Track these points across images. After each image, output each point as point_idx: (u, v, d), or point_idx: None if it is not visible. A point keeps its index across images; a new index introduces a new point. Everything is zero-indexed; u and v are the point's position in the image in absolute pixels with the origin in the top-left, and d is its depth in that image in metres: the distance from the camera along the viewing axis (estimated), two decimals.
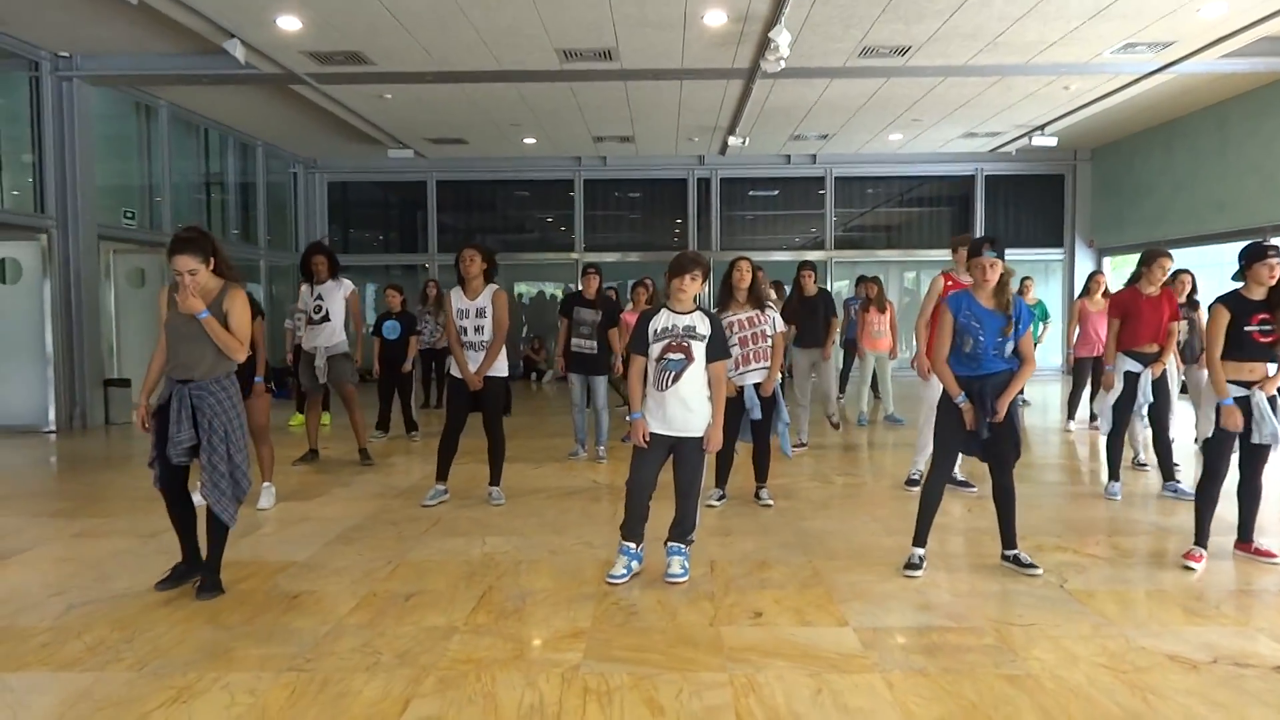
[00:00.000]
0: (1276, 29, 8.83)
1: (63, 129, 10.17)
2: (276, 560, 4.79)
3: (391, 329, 9.14)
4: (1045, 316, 10.99)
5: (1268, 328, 4.49)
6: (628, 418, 4.49)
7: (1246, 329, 4.51)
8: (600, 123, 13.23)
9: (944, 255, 9.27)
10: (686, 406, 4.30)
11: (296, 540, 5.21)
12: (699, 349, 4.30)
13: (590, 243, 16.52)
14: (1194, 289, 7.74)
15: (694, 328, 4.33)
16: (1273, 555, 4.66)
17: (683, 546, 4.46)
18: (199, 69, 10.05)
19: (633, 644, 3.60)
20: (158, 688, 3.19)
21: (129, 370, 11.25)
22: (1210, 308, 4.69)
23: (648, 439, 4.32)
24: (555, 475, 7.14)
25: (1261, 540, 4.78)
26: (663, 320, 4.36)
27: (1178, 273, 7.38)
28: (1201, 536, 4.68)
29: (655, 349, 4.33)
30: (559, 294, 16.75)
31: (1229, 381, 4.56)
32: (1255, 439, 4.54)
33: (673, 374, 4.28)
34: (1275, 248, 4.54)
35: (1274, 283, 4.51)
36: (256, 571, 4.56)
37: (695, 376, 4.30)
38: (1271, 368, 4.54)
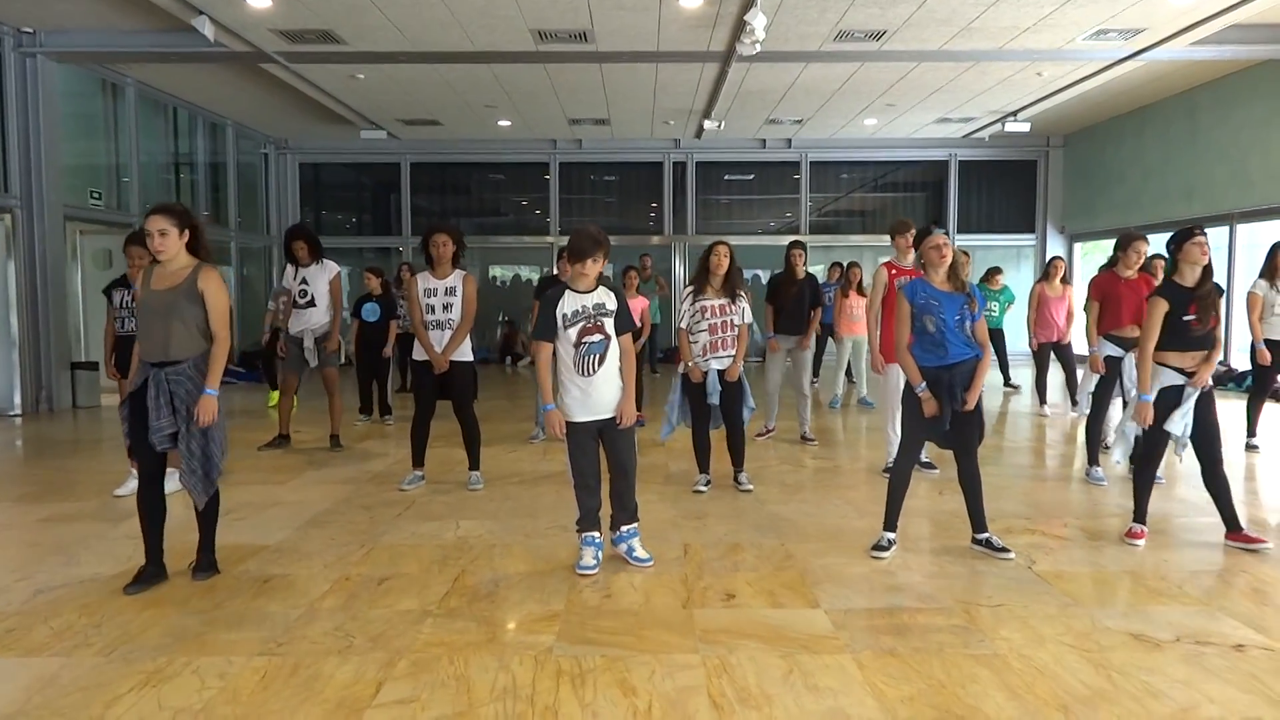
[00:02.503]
0: (1245, 17, 8.94)
1: (27, 106, 9.97)
2: (248, 544, 4.75)
3: (370, 311, 9.05)
4: (1011, 300, 11.17)
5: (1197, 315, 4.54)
6: (543, 408, 4.29)
7: (1185, 318, 4.55)
8: (575, 105, 13.16)
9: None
10: (613, 386, 4.26)
11: (268, 524, 5.17)
12: (612, 325, 4.24)
13: (566, 226, 16.43)
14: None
15: (603, 304, 4.23)
16: (1263, 541, 4.60)
17: (635, 527, 4.44)
18: (167, 46, 9.89)
19: (606, 626, 3.62)
20: (127, 672, 3.17)
21: (96, 353, 11.09)
22: (1149, 300, 4.68)
23: (563, 432, 4.22)
24: (529, 459, 7.14)
25: (1251, 528, 4.74)
26: (569, 303, 4.21)
27: (1153, 258, 7.37)
28: (1140, 515, 4.80)
29: (571, 334, 4.20)
30: (534, 278, 16.69)
31: (1171, 368, 4.60)
32: (1168, 427, 4.56)
33: (597, 356, 4.20)
34: (1201, 228, 4.64)
35: (1206, 260, 4.57)
36: (228, 556, 4.51)
37: (616, 353, 4.26)
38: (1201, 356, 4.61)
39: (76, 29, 9.86)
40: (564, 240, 16.51)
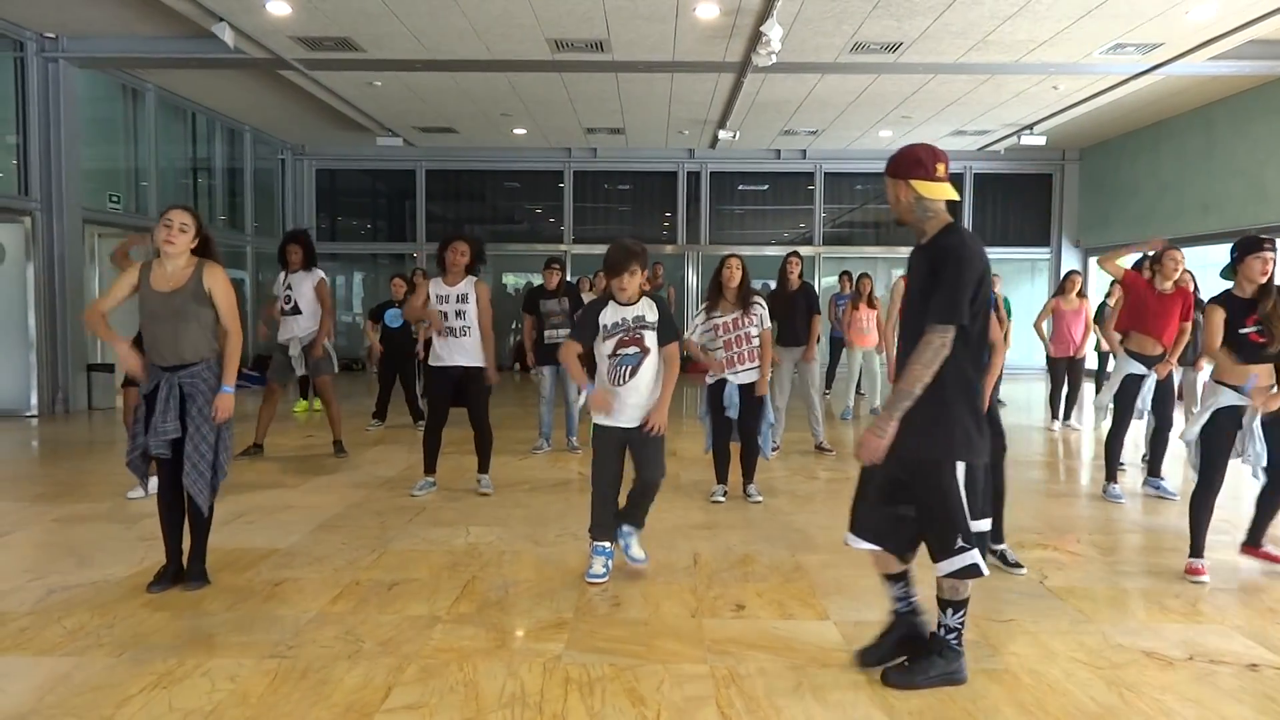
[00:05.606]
0: (1264, 32, 8.90)
1: (48, 111, 10.08)
2: (259, 548, 4.77)
3: (394, 317, 9.09)
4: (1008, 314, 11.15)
5: (1261, 327, 4.28)
6: (583, 394, 4.27)
7: (1242, 331, 4.31)
8: (591, 114, 13.20)
9: None
10: (641, 398, 4.22)
11: (280, 528, 5.19)
12: (652, 338, 4.21)
13: (579, 234, 16.49)
14: (1195, 289, 7.19)
15: (643, 317, 4.21)
16: None
17: (636, 529, 4.43)
18: (187, 52, 9.98)
19: (615, 635, 3.61)
20: (138, 673, 3.18)
21: (112, 355, 11.17)
22: (1205, 308, 4.53)
23: (609, 410, 4.19)
24: (539, 467, 7.14)
25: (1270, 545, 4.60)
26: (610, 314, 4.21)
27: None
28: (1198, 548, 4.43)
29: (608, 345, 4.20)
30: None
31: (1228, 387, 4.35)
32: (1236, 454, 4.34)
33: (629, 369, 4.18)
34: (1270, 240, 4.36)
35: (1265, 280, 4.29)
36: (239, 559, 4.55)
37: (651, 367, 4.22)
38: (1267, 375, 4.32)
39: (98, 35, 9.97)
40: (578, 249, 16.61)
